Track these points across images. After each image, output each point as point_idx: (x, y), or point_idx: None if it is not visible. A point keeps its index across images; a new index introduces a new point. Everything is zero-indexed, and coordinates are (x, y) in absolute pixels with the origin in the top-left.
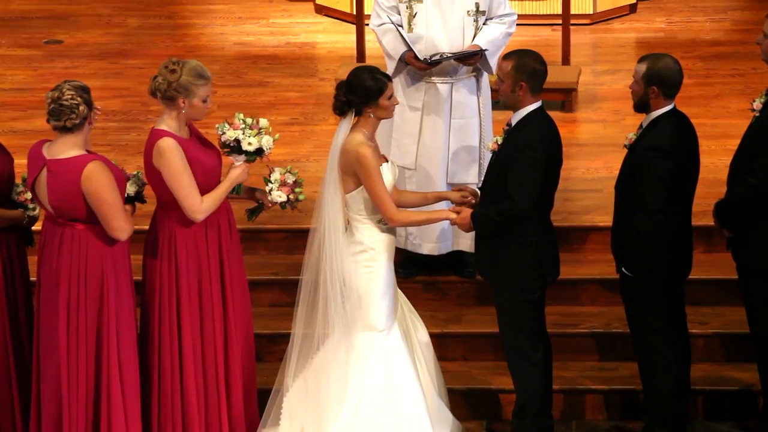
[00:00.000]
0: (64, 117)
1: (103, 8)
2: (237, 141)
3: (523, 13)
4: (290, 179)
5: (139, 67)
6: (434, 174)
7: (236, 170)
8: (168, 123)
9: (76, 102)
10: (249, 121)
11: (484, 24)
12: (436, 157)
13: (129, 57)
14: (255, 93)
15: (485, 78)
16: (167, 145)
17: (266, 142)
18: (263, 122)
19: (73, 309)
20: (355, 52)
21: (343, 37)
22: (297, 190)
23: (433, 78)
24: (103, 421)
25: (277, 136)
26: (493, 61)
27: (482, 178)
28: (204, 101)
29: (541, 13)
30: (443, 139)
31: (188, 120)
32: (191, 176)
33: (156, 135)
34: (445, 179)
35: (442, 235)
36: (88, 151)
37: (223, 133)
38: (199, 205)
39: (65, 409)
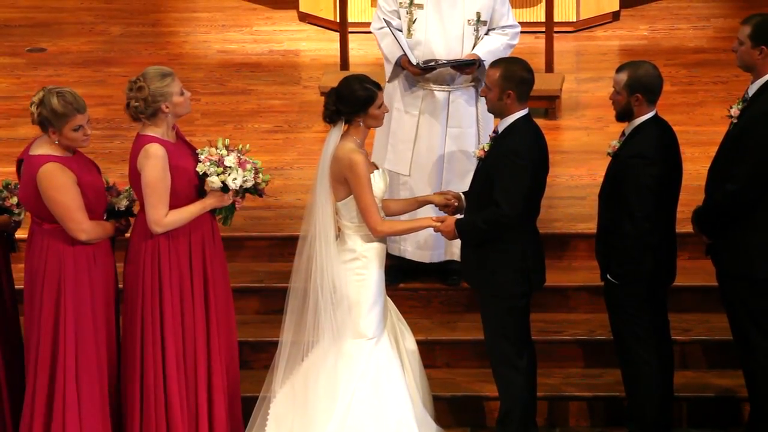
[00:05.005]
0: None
1: (87, 16)
2: (205, 174)
3: None
4: (229, 160)
5: (122, 75)
6: (428, 181)
7: (209, 198)
8: (153, 129)
9: (31, 109)
10: (214, 152)
11: (485, 34)
12: (430, 165)
13: (112, 65)
14: (238, 101)
15: None
16: (155, 151)
17: (232, 181)
18: (228, 160)
19: (30, 309)
20: (338, 59)
21: (327, 44)
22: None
23: (430, 85)
24: (56, 428)
25: (250, 169)
26: None
27: None
28: (181, 94)
29: (525, 21)
30: (439, 147)
31: (178, 118)
32: (166, 189)
33: (143, 140)
34: (439, 187)
35: (435, 243)
36: (74, 151)
37: (199, 161)
38: (161, 218)
39: (25, 410)
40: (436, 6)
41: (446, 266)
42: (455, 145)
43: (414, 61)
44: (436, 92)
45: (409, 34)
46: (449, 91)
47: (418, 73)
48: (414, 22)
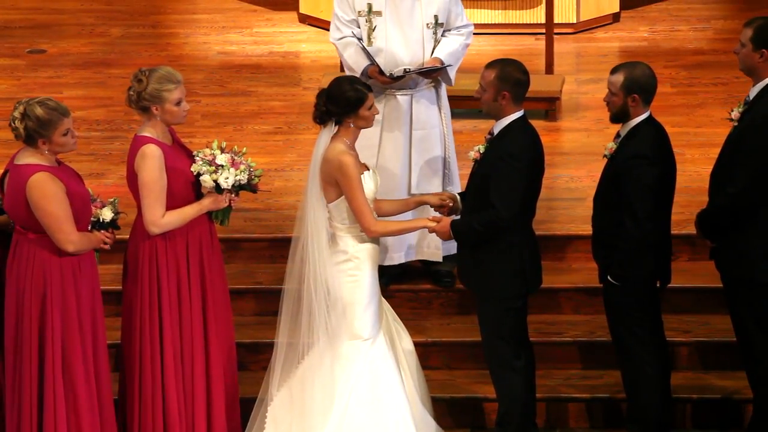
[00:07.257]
0: (12, 132)
1: (87, 18)
2: (198, 174)
3: (507, 22)
4: (222, 159)
5: (122, 77)
6: (395, 185)
7: (206, 199)
8: (150, 130)
9: (14, 125)
10: (208, 152)
11: (442, 36)
12: (396, 169)
13: (112, 66)
14: (239, 102)
15: (444, 89)
16: (151, 152)
17: (224, 180)
18: (220, 159)
19: (19, 320)
20: (338, 61)
21: (327, 46)
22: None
23: (393, 90)
24: None
25: (243, 169)
26: (453, 73)
27: (446, 189)
28: (178, 104)
29: (525, 22)
30: (404, 151)
31: (169, 126)
32: (163, 190)
33: (140, 141)
34: (407, 191)
35: (397, 245)
36: (59, 162)
37: (194, 162)
38: (158, 219)
39: (12, 418)
40: (395, 12)
41: (436, 268)
42: (420, 147)
43: (387, 72)
44: (398, 96)
45: (369, 42)
46: (411, 95)
47: (388, 83)
48: (374, 30)
